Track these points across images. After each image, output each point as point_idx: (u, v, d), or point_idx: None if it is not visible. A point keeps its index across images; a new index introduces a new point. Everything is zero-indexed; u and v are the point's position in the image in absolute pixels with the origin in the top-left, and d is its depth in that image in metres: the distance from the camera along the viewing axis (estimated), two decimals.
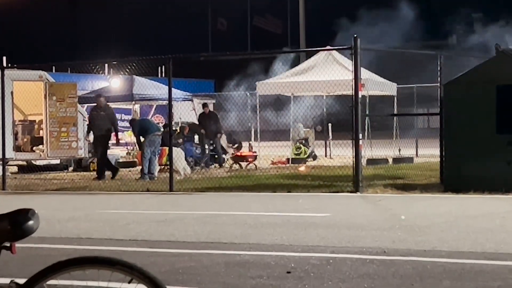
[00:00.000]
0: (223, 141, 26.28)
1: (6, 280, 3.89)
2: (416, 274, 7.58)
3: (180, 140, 23.76)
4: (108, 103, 22.86)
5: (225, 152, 26.20)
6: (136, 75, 29.23)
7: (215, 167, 24.77)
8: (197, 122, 27.77)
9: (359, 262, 8.27)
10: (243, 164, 24.84)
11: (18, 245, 3.94)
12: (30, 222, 3.87)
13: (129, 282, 3.88)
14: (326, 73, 24.61)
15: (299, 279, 7.46)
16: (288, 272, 7.78)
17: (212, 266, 8.30)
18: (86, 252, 8.76)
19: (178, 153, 20.89)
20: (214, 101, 38.87)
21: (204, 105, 27.00)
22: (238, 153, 26.12)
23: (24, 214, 3.88)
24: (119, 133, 31.53)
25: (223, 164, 25.16)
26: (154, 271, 3.95)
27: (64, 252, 8.80)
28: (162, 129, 23.33)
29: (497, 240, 9.58)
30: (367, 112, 23.07)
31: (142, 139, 21.86)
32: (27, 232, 3.86)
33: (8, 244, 3.87)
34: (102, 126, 21.85)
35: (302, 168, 22.97)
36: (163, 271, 7.76)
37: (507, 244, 9.26)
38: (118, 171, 21.98)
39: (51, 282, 3.96)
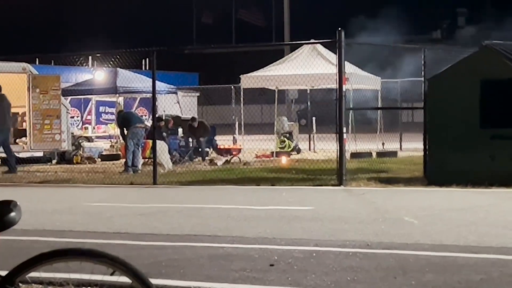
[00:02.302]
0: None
1: None
2: (399, 267, 7.60)
3: (165, 134, 23.65)
4: (2, 94, 21.33)
5: (209, 147, 26.14)
6: (120, 68, 29.11)
7: (198, 160, 24.74)
8: (181, 115, 27.73)
9: (342, 255, 8.28)
10: (228, 158, 24.80)
11: (0, 237, 3.91)
12: (12, 214, 3.85)
13: (111, 274, 3.87)
14: (311, 66, 24.63)
15: (282, 272, 7.46)
16: (272, 265, 7.78)
17: (195, 258, 8.30)
18: (69, 245, 8.65)
19: (162, 146, 20.84)
20: (198, 94, 38.81)
21: (193, 119, 26.35)
22: (222, 146, 26.09)
23: (6, 206, 3.85)
24: (103, 126, 31.60)
25: (206, 158, 25.08)
26: (137, 263, 3.94)
27: (47, 245, 8.76)
28: (145, 122, 23.25)
29: (480, 233, 9.62)
30: (351, 106, 23.09)
31: (125, 132, 21.78)
32: (9, 223, 3.84)
33: None
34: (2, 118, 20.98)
35: (283, 160, 22.94)
36: (146, 263, 7.74)
37: (490, 237, 9.30)
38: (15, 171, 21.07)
39: (34, 274, 3.94)
